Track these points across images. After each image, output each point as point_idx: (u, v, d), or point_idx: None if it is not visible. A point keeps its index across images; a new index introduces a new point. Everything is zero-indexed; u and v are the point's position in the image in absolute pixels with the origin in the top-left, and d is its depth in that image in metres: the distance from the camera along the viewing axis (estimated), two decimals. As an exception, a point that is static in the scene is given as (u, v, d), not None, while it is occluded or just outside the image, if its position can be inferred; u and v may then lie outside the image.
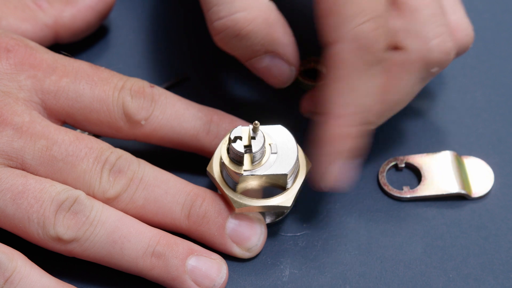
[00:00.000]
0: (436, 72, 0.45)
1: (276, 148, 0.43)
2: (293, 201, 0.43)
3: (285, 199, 0.43)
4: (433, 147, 0.49)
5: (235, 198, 0.43)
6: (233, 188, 0.43)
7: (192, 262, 0.42)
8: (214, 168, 0.43)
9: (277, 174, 0.43)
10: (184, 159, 0.48)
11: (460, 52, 0.47)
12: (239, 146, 0.42)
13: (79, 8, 0.50)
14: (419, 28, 0.44)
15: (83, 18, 0.51)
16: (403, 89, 0.44)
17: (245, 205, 0.43)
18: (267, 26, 0.43)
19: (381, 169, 0.48)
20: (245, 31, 0.43)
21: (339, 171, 0.42)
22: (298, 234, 0.46)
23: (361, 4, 0.41)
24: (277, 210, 0.44)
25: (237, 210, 0.43)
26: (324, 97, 0.42)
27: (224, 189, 0.43)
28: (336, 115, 0.42)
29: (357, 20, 0.41)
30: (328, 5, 0.41)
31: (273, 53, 0.44)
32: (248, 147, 0.42)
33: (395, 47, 0.44)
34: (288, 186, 0.43)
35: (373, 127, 0.45)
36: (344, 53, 0.41)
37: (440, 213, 0.47)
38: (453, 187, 0.47)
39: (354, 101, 0.42)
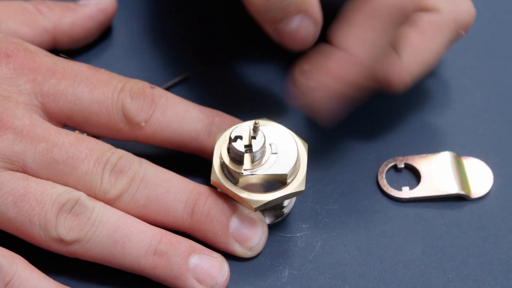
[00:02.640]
0: (462, 36, 0.48)
1: (277, 148, 0.44)
2: (264, 205, 0.43)
3: (298, 184, 0.43)
4: (432, 148, 0.49)
5: (249, 197, 0.43)
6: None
7: (194, 260, 0.43)
8: (219, 176, 0.43)
9: (277, 174, 0.43)
10: (185, 160, 0.48)
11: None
12: (239, 146, 0.42)
13: (79, 16, 0.51)
14: None
15: (83, 26, 0.51)
16: (436, 49, 0.46)
17: (263, 201, 0.43)
18: None
19: (380, 170, 0.48)
20: None
21: (333, 105, 0.44)
22: (298, 234, 0.46)
23: None
24: (294, 196, 0.44)
25: (256, 209, 0.43)
26: (343, 35, 0.43)
27: (237, 192, 0.43)
28: (351, 51, 0.43)
29: None
30: None
31: (304, 12, 0.44)
32: (249, 147, 0.43)
33: (427, 8, 0.47)
34: (289, 181, 0.43)
35: (402, 88, 0.46)
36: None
37: (439, 214, 0.47)
38: (453, 188, 0.47)
39: (371, 49, 0.43)
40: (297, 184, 0.43)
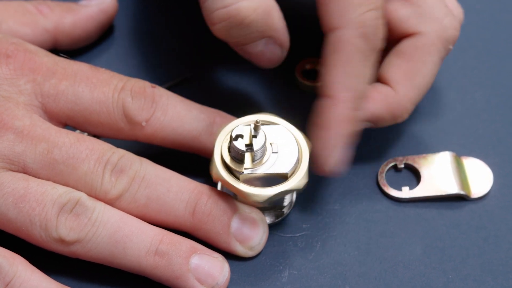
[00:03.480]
0: (450, 50, 0.47)
1: (277, 148, 0.44)
2: (268, 199, 0.43)
3: (299, 179, 0.43)
4: (432, 148, 0.49)
5: (253, 192, 0.43)
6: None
7: (195, 260, 0.43)
8: (221, 172, 0.43)
9: (278, 174, 0.43)
10: (186, 159, 0.48)
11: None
12: (240, 144, 0.42)
13: (80, 16, 0.51)
14: (430, 11, 0.46)
15: (83, 26, 0.51)
16: (429, 71, 0.46)
17: (267, 196, 0.43)
18: (266, 13, 0.44)
19: (380, 170, 0.48)
20: (247, 20, 0.43)
21: (340, 154, 0.43)
22: (297, 234, 0.46)
23: None
24: (298, 189, 0.44)
25: (214, 180, 0.43)
26: (324, 81, 0.43)
27: (242, 188, 0.43)
28: (336, 98, 0.43)
29: (362, 8, 0.43)
30: None
31: (269, 37, 0.45)
32: (249, 146, 0.43)
33: (408, 34, 0.47)
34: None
35: (407, 116, 0.46)
36: (347, 39, 0.43)
37: (439, 214, 0.47)
38: (452, 188, 0.47)
39: (355, 85, 0.43)
40: (300, 176, 0.43)
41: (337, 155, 0.43)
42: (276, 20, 0.45)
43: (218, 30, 0.44)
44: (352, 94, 0.43)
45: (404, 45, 0.47)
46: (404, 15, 0.46)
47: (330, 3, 0.43)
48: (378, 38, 0.44)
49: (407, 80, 0.46)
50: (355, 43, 0.43)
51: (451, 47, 0.47)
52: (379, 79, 0.47)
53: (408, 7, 0.47)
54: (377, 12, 0.43)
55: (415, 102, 0.46)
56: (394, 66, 0.46)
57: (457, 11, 0.48)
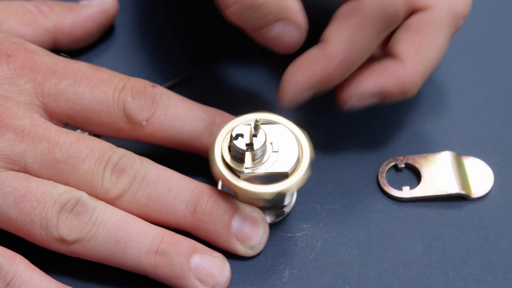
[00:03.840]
0: (459, 27, 0.48)
1: (278, 147, 0.44)
2: (274, 196, 0.43)
3: (290, 184, 0.43)
4: (433, 148, 0.49)
5: (219, 166, 0.43)
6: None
7: (196, 260, 0.43)
8: (220, 167, 0.43)
9: (279, 173, 0.43)
10: (186, 159, 0.48)
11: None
12: (240, 144, 0.42)
13: (80, 16, 0.51)
14: None
15: (84, 26, 0.51)
16: (438, 46, 0.46)
17: (223, 175, 0.43)
18: None
19: (380, 170, 0.48)
20: (260, 1, 0.43)
21: (295, 96, 0.45)
22: (298, 234, 0.46)
23: None
24: (303, 182, 0.44)
25: (216, 178, 0.43)
26: (327, 32, 0.45)
27: (246, 186, 0.43)
28: (330, 49, 0.44)
29: None
30: None
31: (285, 19, 0.44)
32: (250, 145, 0.43)
33: (419, 9, 0.47)
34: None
35: (415, 91, 0.46)
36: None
37: (439, 214, 0.47)
38: (453, 188, 0.47)
39: (354, 49, 0.44)
40: (304, 169, 0.43)
41: (292, 94, 0.44)
42: (292, 2, 0.44)
43: (231, 13, 0.44)
44: (345, 55, 0.44)
45: (414, 19, 0.47)
46: None
47: None
48: (395, 12, 0.44)
49: (416, 55, 0.46)
50: (369, 10, 0.43)
51: (461, 23, 0.47)
52: (388, 53, 0.47)
53: None
54: None
55: (424, 77, 0.46)
56: (404, 41, 0.46)
57: None
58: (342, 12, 0.45)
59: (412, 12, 0.47)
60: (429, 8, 0.46)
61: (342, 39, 0.44)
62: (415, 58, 0.46)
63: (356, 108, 0.47)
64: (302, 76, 0.45)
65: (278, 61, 0.53)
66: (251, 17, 0.44)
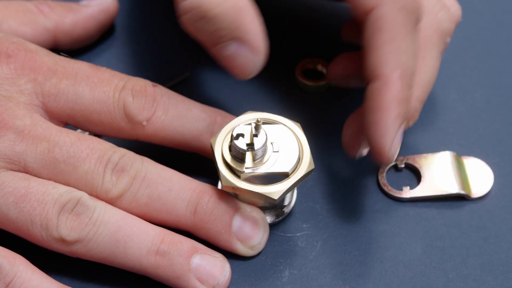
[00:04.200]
0: (448, 43, 0.47)
1: (278, 147, 0.44)
2: (282, 195, 0.42)
3: (274, 191, 0.42)
4: (433, 148, 0.49)
5: (226, 176, 0.42)
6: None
7: (196, 260, 0.43)
8: (217, 143, 0.43)
9: (279, 173, 0.43)
10: (187, 158, 0.48)
11: (454, 27, 0.48)
12: (241, 143, 0.43)
13: (80, 16, 0.51)
14: (424, 5, 0.45)
15: (84, 26, 0.51)
16: (430, 67, 0.45)
17: (233, 184, 0.42)
18: (235, 11, 0.42)
19: (380, 170, 0.48)
20: (212, 13, 0.42)
21: (398, 137, 0.42)
22: (298, 234, 0.46)
23: None
24: (264, 200, 0.43)
25: (224, 188, 0.43)
26: (370, 64, 0.42)
27: (255, 189, 0.42)
28: (388, 78, 0.41)
29: None
30: None
31: (239, 40, 0.42)
32: (250, 145, 0.43)
33: None
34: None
35: (417, 116, 0.46)
36: (388, 15, 0.42)
37: (439, 214, 0.47)
38: (453, 188, 0.47)
39: (405, 62, 0.42)
40: (307, 164, 0.43)
41: (394, 138, 0.41)
42: (248, 19, 0.42)
43: (184, 23, 0.43)
44: (403, 71, 0.41)
45: None
46: None
47: None
48: (418, 8, 0.43)
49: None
50: (397, 17, 0.42)
51: (448, 39, 0.46)
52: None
53: None
54: None
55: (422, 100, 0.46)
56: None
57: (454, 7, 0.48)
58: (385, 40, 0.42)
59: None
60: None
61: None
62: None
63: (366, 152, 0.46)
64: (395, 129, 0.42)
65: (278, 61, 0.53)
66: (204, 29, 0.42)
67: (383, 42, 0.42)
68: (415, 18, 0.42)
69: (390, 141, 0.41)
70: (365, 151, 0.46)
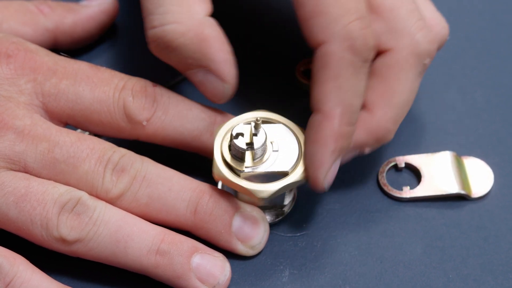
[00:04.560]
0: (428, 64, 0.45)
1: (278, 146, 0.44)
2: (272, 194, 0.43)
3: (263, 189, 0.42)
4: (433, 148, 0.49)
5: (220, 167, 0.43)
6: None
7: (196, 260, 0.43)
8: (221, 168, 0.43)
9: (279, 172, 0.43)
10: (187, 158, 0.48)
11: (440, 45, 0.47)
12: (240, 143, 0.43)
13: (80, 16, 0.51)
14: (402, 26, 0.44)
15: (84, 26, 0.51)
16: (405, 88, 0.44)
17: (223, 176, 0.42)
18: (199, 40, 0.43)
19: (380, 170, 0.48)
20: (175, 43, 0.43)
21: (332, 171, 0.43)
22: (298, 234, 0.46)
23: (345, 4, 0.41)
24: (254, 196, 0.43)
25: (216, 179, 0.43)
26: (314, 97, 0.43)
27: (244, 184, 0.43)
28: (328, 114, 0.42)
29: (344, 19, 0.41)
30: (312, 7, 0.42)
31: (206, 68, 0.44)
32: (250, 144, 0.43)
33: (380, 51, 0.45)
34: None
35: (392, 136, 0.45)
36: (334, 53, 0.41)
37: (439, 214, 0.47)
38: (453, 188, 0.47)
39: (347, 100, 0.42)
40: (265, 188, 0.43)
41: (328, 171, 0.42)
42: (214, 49, 0.43)
43: (153, 49, 0.44)
44: (344, 109, 0.42)
45: (377, 64, 0.45)
46: (374, 32, 0.44)
47: (312, 18, 0.42)
48: (368, 48, 0.42)
49: (383, 101, 0.44)
50: (343, 56, 0.41)
51: (428, 61, 0.45)
52: None
53: (378, 22, 0.44)
54: (363, 21, 0.42)
55: (396, 122, 0.45)
56: (369, 88, 0.44)
57: (440, 26, 0.47)
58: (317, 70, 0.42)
59: (375, 55, 0.45)
60: (391, 51, 0.44)
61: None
62: (383, 106, 0.44)
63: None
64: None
65: (278, 61, 0.53)
66: (171, 57, 0.44)
67: (327, 79, 0.42)
68: (363, 57, 0.42)
69: (324, 173, 0.42)
70: None
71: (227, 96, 0.45)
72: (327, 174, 0.42)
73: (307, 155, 0.43)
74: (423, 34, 0.44)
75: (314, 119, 0.42)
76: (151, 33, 0.43)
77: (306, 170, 0.43)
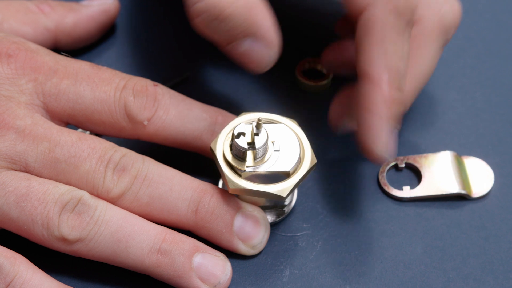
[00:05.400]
0: (450, 38, 0.46)
1: (279, 146, 0.44)
2: (290, 191, 0.43)
3: (282, 189, 0.43)
4: (433, 147, 0.50)
5: (232, 179, 0.43)
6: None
7: (197, 259, 0.43)
8: (218, 147, 0.43)
9: (280, 172, 0.43)
10: (188, 158, 0.48)
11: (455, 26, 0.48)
12: (242, 142, 0.43)
13: (81, 16, 0.51)
14: None
15: (84, 26, 0.51)
16: (428, 60, 0.45)
17: (240, 186, 0.42)
18: (247, 9, 0.42)
19: (381, 169, 0.48)
20: (225, 13, 0.42)
21: (388, 137, 0.42)
22: (298, 234, 0.46)
23: None
24: (272, 198, 0.44)
25: (230, 191, 0.43)
26: (360, 64, 0.42)
27: (223, 168, 0.43)
28: (377, 80, 0.41)
29: None
30: None
31: (253, 36, 0.43)
32: (251, 144, 0.43)
33: None
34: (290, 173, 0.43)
35: (408, 106, 0.45)
36: (379, 16, 0.42)
37: (440, 213, 0.47)
38: (453, 187, 0.47)
39: (393, 64, 0.42)
40: (309, 158, 0.43)
41: (384, 138, 0.42)
42: (261, 16, 0.43)
43: (198, 24, 0.43)
44: (392, 73, 0.42)
45: None
46: None
47: None
48: (411, 10, 0.42)
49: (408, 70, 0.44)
50: (387, 19, 0.42)
51: (451, 34, 0.46)
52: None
53: None
54: None
55: (414, 93, 0.46)
56: None
57: (457, 4, 0.47)
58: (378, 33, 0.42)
59: None
60: (417, 21, 0.45)
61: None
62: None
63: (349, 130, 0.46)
64: (386, 130, 0.42)
65: (278, 61, 0.53)
66: (219, 29, 0.43)
67: (372, 44, 0.42)
68: (406, 19, 0.42)
69: (384, 141, 0.42)
70: (347, 127, 0.46)
71: (272, 62, 0.44)
72: (384, 142, 0.42)
73: (361, 125, 0.42)
74: (449, 6, 0.45)
75: (364, 87, 0.42)
76: (197, 7, 0.42)
77: (361, 142, 0.42)
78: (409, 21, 0.42)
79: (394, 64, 0.42)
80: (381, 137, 0.42)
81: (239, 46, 0.43)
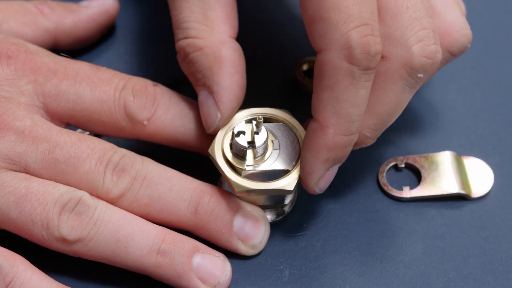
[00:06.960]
0: (424, 78, 0.43)
1: (279, 145, 0.44)
2: (295, 185, 0.43)
3: (287, 183, 0.43)
4: (433, 147, 0.50)
5: (237, 182, 0.43)
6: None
7: (197, 259, 0.43)
8: (216, 151, 0.43)
9: (280, 170, 0.43)
10: (188, 158, 0.48)
11: (457, 53, 0.45)
12: (242, 141, 0.43)
13: (80, 17, 0.51)
14: (400, 34, 0.41)
15: (84, 27, 0.51)
16: (391, 100, 0.42)
17: (246, 188, 0.42)
18: (212, 59, 0.43)
19: (381, 169, 0.48)
20: (191, 56, 0.44)
21: (324, 178, 0.42)
22: (298, 234, 0.46)
23: (347, 10, 0.39)
24: (279, 194, 0.44)
25: (237, 194, 0.43)
26: (312, 104, 0.41)
27: (227, 173, 0.43)
28: (322, 125, 0.41)
29: (344, 26, 0.39)
30: (314, 11, 0.40)
31: (208, 89, 0.44)
32: (251, 143, 0.43)
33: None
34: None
35: (371, 142, 0.44)
36: (332, 63, 0.40)
37: (440, 214, 0.47)
38: (453, 188, 0.47)
39: (343, 111, 0.40)
40: (286, 182, 0.43)
41: (317, 177, 0.42)
42: (224, 73, 0.43)
43: (178, 59, 0.45)
44: (340, 119, 0.40)
45: None
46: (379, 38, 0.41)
47: (313, 23, 0.40)
48: (368, 57, 0.39)
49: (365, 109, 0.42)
50: (340, 66, 0.39)
51: (422, 76, 0.42)
52: None
53: (382, 27, 0.42)
54: (365, 29, 0.39)
55: (375, 130, 0.43)
56: None
57: (460, 33, 0.45)
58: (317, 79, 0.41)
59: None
60: (383, 59, 0.42)
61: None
62: (365, 112, 0.42)
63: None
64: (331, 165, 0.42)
65: (278, 61, 0.53)
66: (186, 69, 0.45)
67: (324, 88, 0.40)
68: (364, 65, 0.40)
69: (314, 180, 0.42)
70: None
71: (214, 125, 0.44)
72: (318, 181, 0.42)
73: (301, 159, 0.42)
74: (420, 46, 0.41)
75: (311, 126, 0.42)
76: (176, 45, 0.44)
77: (300, 173, 0.43)
78: (367, 67, 0.40)
79: (344, 111, 0.40)
80: (315, 176, 0.42)
81: (199, 93, 0.44)
